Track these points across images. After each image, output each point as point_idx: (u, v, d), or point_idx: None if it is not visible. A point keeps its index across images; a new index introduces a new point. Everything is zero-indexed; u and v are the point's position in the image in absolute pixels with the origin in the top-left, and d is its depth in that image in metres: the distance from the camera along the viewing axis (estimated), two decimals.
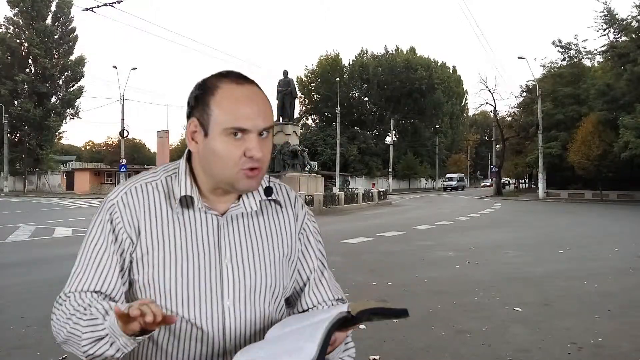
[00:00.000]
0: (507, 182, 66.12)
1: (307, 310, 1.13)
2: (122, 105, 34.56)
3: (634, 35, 29.56)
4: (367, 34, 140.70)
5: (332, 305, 1.12)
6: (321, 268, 1.16)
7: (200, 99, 0.99)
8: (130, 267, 1.01)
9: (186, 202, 1.03)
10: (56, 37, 43.26)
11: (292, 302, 1.16)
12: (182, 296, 0.99)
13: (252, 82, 1.01)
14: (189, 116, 1.02)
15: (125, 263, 1.00)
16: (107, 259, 0.99)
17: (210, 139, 0.97)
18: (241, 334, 1.02)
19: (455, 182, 60.79)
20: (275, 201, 1.12)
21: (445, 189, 59.93)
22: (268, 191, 1.09)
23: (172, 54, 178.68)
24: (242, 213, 1.07)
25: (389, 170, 53.19)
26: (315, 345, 0.84)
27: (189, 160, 1.06)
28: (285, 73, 24.77)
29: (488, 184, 75.97)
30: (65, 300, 0.98)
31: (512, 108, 50.52)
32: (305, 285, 1.14)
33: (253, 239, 1.06)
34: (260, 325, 1.04)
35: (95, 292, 0.99)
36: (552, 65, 38.95)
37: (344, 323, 0.88)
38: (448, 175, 63.80)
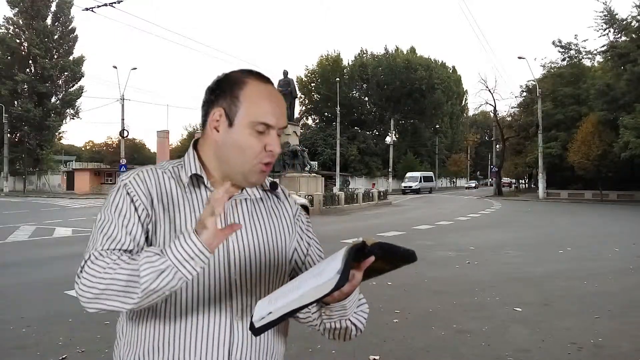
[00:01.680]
0: (511, 181, 64.11)
1: None
2: (122, 105, 34.59)
3: (634, 35, 29.57)
4: (367, 34, 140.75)
5: None
6: (318, 253, 1.21)
7: (228, 90, 1.05)
8: (146, 237, 1.03)
9: (194, 181, 1.08)
10: (56, 37, 43.27)
11: None
12: None
13: (272, 82, 1.10)
14: (209, 105, 1.07)
15: (143, 232, 1.03)
16: (135, 226, 1.01)
17: (234, 129, 1.03)
18: (249, 308, 1.05)
19: (417, 184, 48.20)
20: (275, 194, 1.19)
21: (404, 191, 46.96)
22: (273, 185, 1.17)
23: (172, 54, 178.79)
24: (247, 199, 1.13)
25: (389, 170, 53.20)
26: (338, 262, 0.86)
27: (195, 148, 1.12)
28: (285, 73, 24.77)
29: (473, 185, 70.28)
30: (98, 258, 0.95)
31: (512, 108, 50.58)
32: (300, 268, 1.18)
33: (257, 222, 1.12)
34: None
35: (127, 250, 0.98)
36: (552, 65, 39.01)
37: (358, 253, 0.89)
38: (409, 175, 50.36)
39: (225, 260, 1.05)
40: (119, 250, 0.98)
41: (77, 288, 0.96)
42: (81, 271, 0.96)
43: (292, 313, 0.90)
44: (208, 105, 1.07)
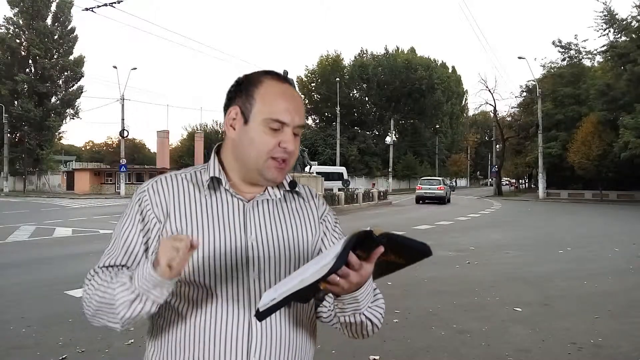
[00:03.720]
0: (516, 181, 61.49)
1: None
2: (122, 105, 34.64)
3: (634, 35, 29.56)
4: (367, 34, 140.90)
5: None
6: None
7: (244, 89, 1.08)
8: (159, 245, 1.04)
9: (214, 184, 1.10)
10: (56, 37, 43.19)
11: None
12: (210, 271, 1.04)
13: (289, 81, 1.12)
14: (228, 106, 1.11)
15: (150, 242, 1.07)
16: (134, 238, 1.07)
17: (249, 127, 1.06)
18: None
19: None
20: (298, 194, 1.19)
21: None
22: (292, 184, 1.16)
23: (172, 54, 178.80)
24: (267, 200, 1.13)
25: (389, 170, 53.20)
26: (338, 246, 0.86)
27: (218, 153, 1.15)
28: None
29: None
30: (93, 276, 1.05)
31: (512, 108, 50.66)
32: None
33: (277, 223, 1.12)
34: None
35: (122, 265, 1.06)
36: (552, 65, 39.01)
37: (366, 242, 0.87)
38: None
39: (244, 258, 1.06)
40: (116, 266, 1.06)
41: (82, 300, 1.06)
42: (83, 285, 1.06)
43: (294, 296, 0.89)
44: (225, 107, 1.12)
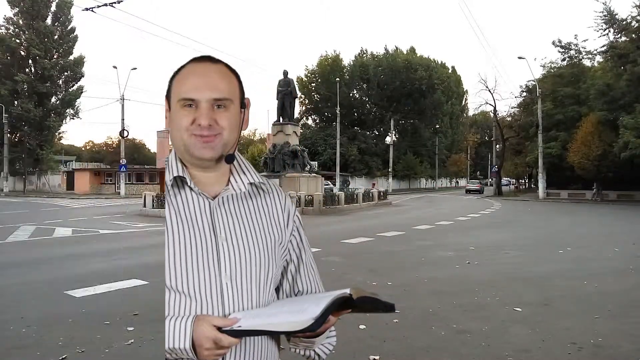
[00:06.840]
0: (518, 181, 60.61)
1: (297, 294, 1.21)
2: (122, 105, 34.66)
3: (633, 36, 29.56)
4: (367, 34, 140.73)
5: None
6: (310, 261, 1.23)
7: (170, 81, 1.11)
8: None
9: (177, 183, 1.09)
10: (56, 37, 43.17)
11: (278, 290, 1.20)
12: (181, 272, 1.03)
13: (214, 60, 1.10)
14: None
15: None
16: None
17: (172, 112, 1.09)
18: (239, 309, 1.05)
19: None
20: (261, 188, 1.18)
21: None
22: (229, 158, 1.10)
23: (172, 54, 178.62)
24: (232, 195, 1.12)
25: (389, 170, 53.16)
26: (319, 308, 0.92)
27: None
28: (285, 73, 24.75)
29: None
30: None
31: (512, 108, 50.43)
32: (293, 275, 1.20)
33: (245, 220, 1.12)
34: (257, 301, 1.08)
35: None
36: (552, 66, 38.98)
37: (341, 304, 0.95)
38: None
39: (215, 258, 1.05)
40: None
41: None
42: None
43: (261, 333, 0.98)
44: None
